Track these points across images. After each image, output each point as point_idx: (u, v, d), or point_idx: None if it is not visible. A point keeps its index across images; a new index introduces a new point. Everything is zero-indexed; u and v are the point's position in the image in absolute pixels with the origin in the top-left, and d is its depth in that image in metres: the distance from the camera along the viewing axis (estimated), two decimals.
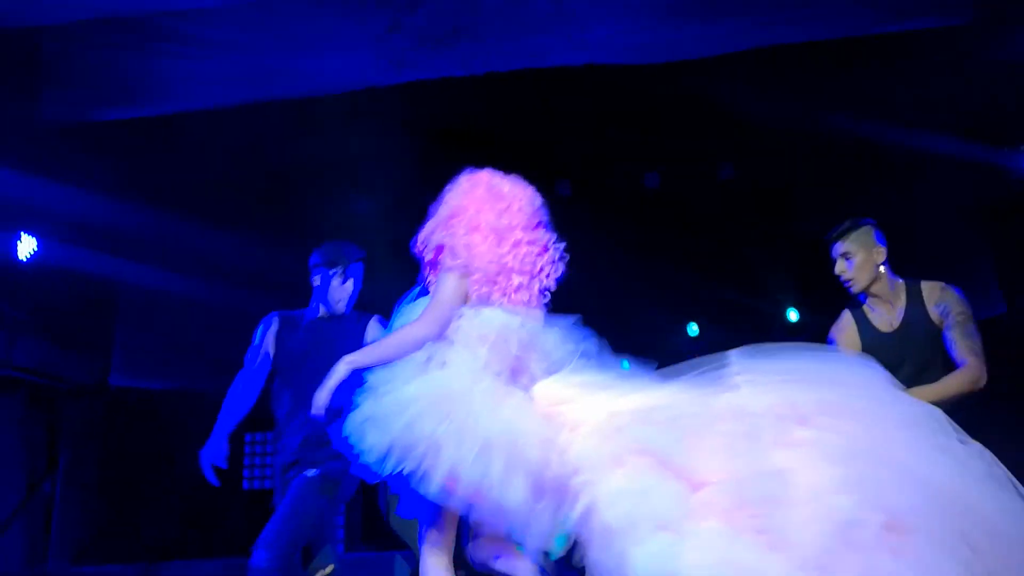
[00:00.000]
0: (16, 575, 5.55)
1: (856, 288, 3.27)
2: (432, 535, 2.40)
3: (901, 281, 3.27)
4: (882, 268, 3.21)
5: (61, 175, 5.63)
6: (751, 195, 7.22)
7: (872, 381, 2.23)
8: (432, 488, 2.13)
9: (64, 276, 6.18)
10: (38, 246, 5.94)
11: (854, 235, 3.25)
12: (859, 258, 3.21)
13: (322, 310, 3.41)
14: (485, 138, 6.48)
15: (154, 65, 4.79)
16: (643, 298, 7.61)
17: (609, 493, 2.03)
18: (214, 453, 3.17)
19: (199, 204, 6.67)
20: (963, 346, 3.04)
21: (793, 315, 7.94)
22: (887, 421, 2.09)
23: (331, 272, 3.38)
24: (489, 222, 2.65)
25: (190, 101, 4.90)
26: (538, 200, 2.83)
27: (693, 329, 8.12)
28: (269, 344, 3.34)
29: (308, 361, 3.24)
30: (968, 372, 2.99)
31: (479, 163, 7.46)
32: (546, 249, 2.71)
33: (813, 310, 7.89)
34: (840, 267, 3.28)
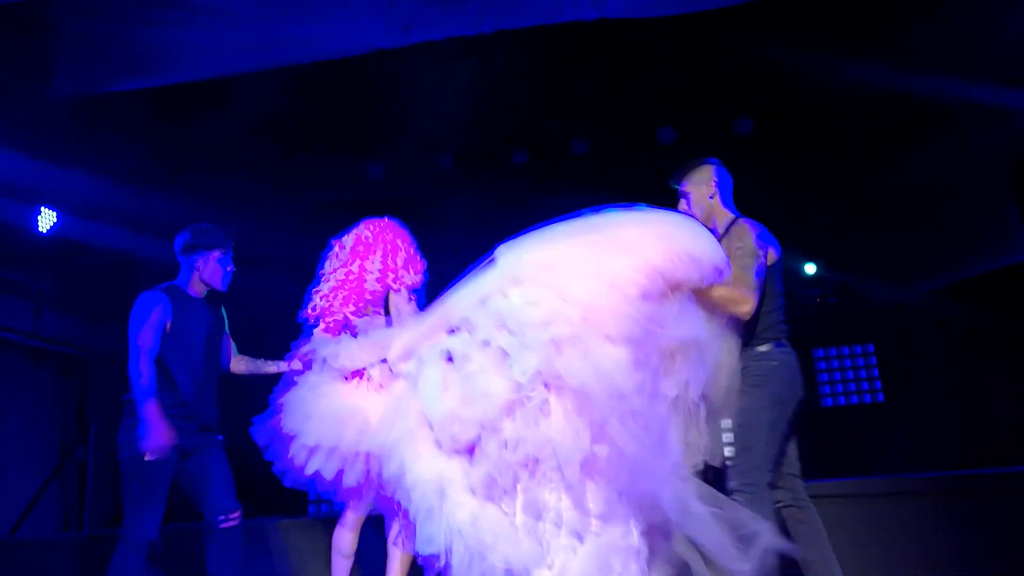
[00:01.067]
0: (54, 540, 5.73)
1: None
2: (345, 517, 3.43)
3: (732, 217, 3.28)
4: (716, 202, 3.27)
5: (76, 148, 5.66)
6: (767, 148, 7.14)
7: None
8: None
9: (85, 248, 6.25)
10: (58, 219, 6.00)
11: (690, 174, 3.33)
12: (694, 195, 3.31)
13: (202, 289, 3.60)
14: (498, 98, 6.43)
15: (164, 35, 4.77)
16: None
17: (408, 484, 2.54)
18: (157, 436, 3.25)
19: (214, 172, 6.71)
20: (735, 277, 2.94)
21: (810, 268, 7.89)
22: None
23: (212, 253, 3.58)
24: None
25: (201, 70, 4.88)
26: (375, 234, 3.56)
27: None
28: (167, 321, 3.46)
29: (207, 337, 3.56)
30: (734, 290, 2.89)
31: (493, 125, 7.43)
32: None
33: (829, 264, 7.85)
34: (680, 205, 3.36)
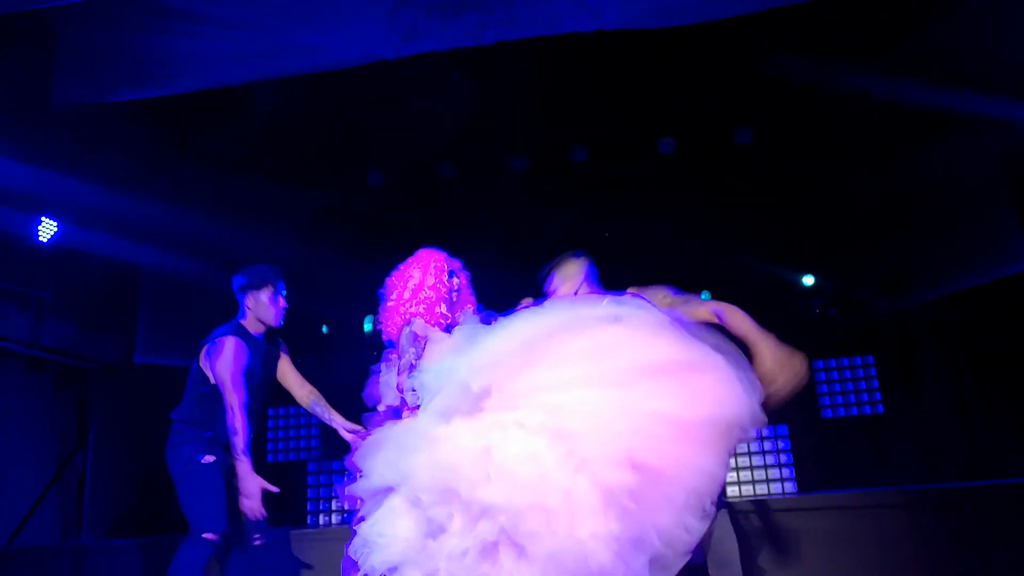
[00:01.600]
0: (52, 549, 5.71)
1: None
2: None
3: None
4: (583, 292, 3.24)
5: (78, 157, 5.68)
6: (767, 159, 7.16)
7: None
8: None
9: (85, 258, 6.26)
10: (58, 229, 6.01)
11: (556, 272, 3.31)
12: (562, 291, 3.28)
13: (260, 328, 3.68)
14: (497, 108, 6.46)
15: (166, 44, 4.79)
16: (656, 263, 7.61)
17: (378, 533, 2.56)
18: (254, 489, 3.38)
19: (214, 181, 6.73)
20: (697, 315, 2.92)
21: (808, 280, 7.91)
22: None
23: (261, 291, 3.65)
24: None
25: (203, 80, 4.90)
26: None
27: (706, 295, 8.11)
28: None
29: (264, 374, 3.69)
30: (749, 330, 2.86)
31: (493, 133, 7.45)
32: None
33: (829, 274, 7.86)
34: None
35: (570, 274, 3.28)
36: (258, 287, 3.64)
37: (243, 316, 3.67)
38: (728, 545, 2.94)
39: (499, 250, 6.76)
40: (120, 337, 6.87)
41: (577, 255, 3.33)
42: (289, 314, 3.80)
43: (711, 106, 6.72)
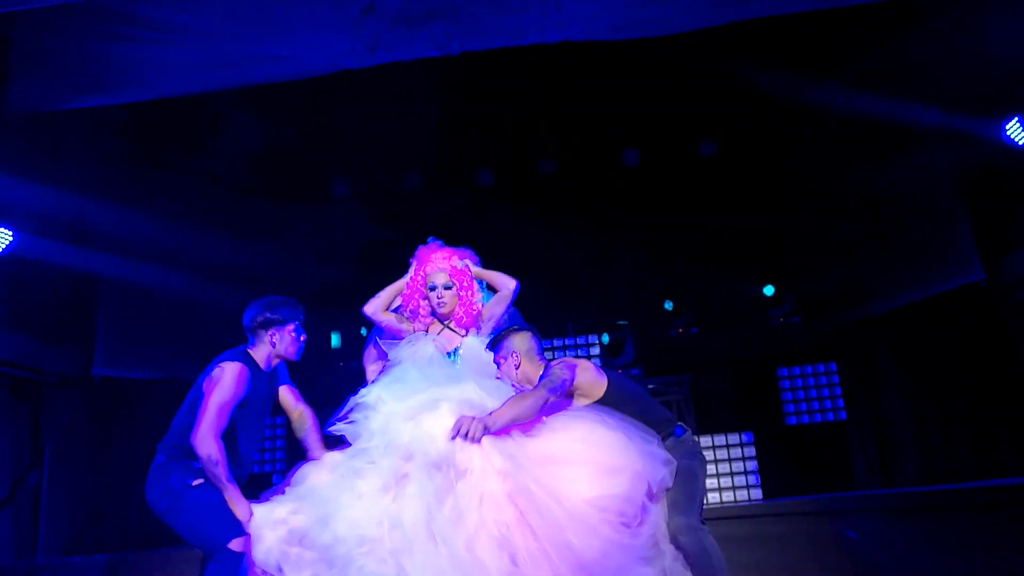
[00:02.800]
0: (7, 567, 5.55)
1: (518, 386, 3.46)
2: None
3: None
4: (524, 368, 3.41)
5: (34, 166, 5.56)
6: (731, 171, 7.26)
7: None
8: None
9: (42, 269, 6.11)
10: (13, 238, 5.87)
11: (495, 347, 3.48)
12: (503, 367, 3.45)
13: (273, 362, 3.58)
14: (462, 119, 6.46)
15: (127, 52, 4.71)
16: (621, 274, 7.67)
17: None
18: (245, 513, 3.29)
19: (176, 193, 6.63)
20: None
21: (769, 289, 8.03)
22: None
23: (287, 326, 3.55)
24: None
25: (164, 88, 4.83)
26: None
27: (668, 304, 8.19)
28: (244, 396, 3.44)
29: (265, 408, 3.61)
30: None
31: (456, 145, 7.42)
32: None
33: (789, 285, 7.99)
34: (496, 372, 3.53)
35: (506, 351, 3.42)
36: (283, 323, 3.53)
37: (252, 346, 3.55)
38: (715, 563, 3.08)
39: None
40: (78, 349, 6.71)
41: (516, 331, 3.46)
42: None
43: (676, 118, 6.80)
